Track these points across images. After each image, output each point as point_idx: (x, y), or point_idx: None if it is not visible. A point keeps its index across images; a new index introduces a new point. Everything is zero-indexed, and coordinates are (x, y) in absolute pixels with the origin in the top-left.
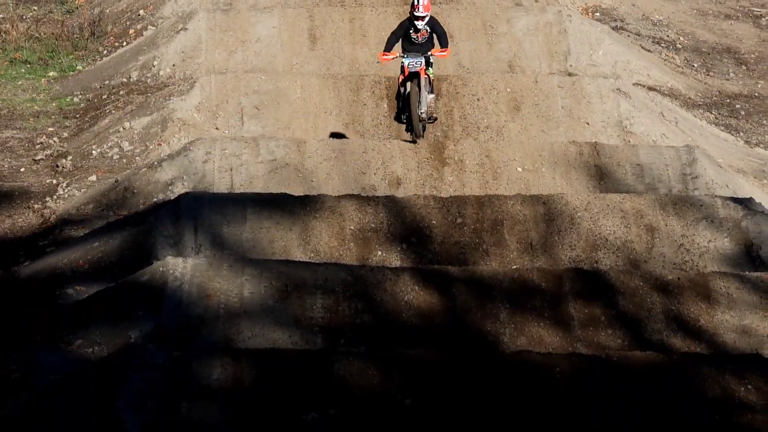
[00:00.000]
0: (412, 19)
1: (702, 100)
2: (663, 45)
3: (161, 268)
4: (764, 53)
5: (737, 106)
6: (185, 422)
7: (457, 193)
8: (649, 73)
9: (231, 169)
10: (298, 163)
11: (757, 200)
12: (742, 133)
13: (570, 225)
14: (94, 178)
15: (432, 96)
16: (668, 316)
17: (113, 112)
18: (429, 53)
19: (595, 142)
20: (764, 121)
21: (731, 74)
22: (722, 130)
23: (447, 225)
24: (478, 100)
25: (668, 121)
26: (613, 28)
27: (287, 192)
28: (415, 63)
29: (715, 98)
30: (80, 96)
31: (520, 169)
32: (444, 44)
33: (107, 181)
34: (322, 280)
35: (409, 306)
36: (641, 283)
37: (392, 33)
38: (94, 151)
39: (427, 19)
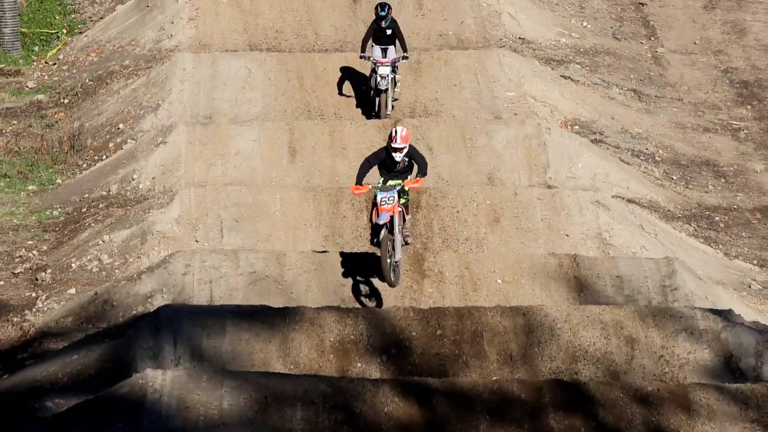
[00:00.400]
0: (389, 150)
1: (681, 212)
2: (642, 158)
3: (140, 381)
4: (743, 166)
5: (716, 218)
6: None
7: (437, 305)
8: (629, 185)
9: (210, 282)
10: (277, 275)
11: (737, 312)
12: (721, 245)
13: (550, 336)
14: (73, 291)
15: (408, 219)
16: (648, 427)
17: (93, 225)
18: (402, 185)
19: (575, 254)
20: (743, 234)
21: (710, 187)
22: (701, 243)
23: (427, 336)
24: (458, 212)
25: (648, 233)
26: (592, 141)
27: (267, 304)
28: (388, 198)
29: (694, 210)
30: (60, 209)
31: (499, 281)
32: (423, 172)
33: (86, 294)
34: (302, 391)
35: (389, 417)
36: (621, 395)
37: (366, 160)
38: (73, 264)
39: (405, 150)
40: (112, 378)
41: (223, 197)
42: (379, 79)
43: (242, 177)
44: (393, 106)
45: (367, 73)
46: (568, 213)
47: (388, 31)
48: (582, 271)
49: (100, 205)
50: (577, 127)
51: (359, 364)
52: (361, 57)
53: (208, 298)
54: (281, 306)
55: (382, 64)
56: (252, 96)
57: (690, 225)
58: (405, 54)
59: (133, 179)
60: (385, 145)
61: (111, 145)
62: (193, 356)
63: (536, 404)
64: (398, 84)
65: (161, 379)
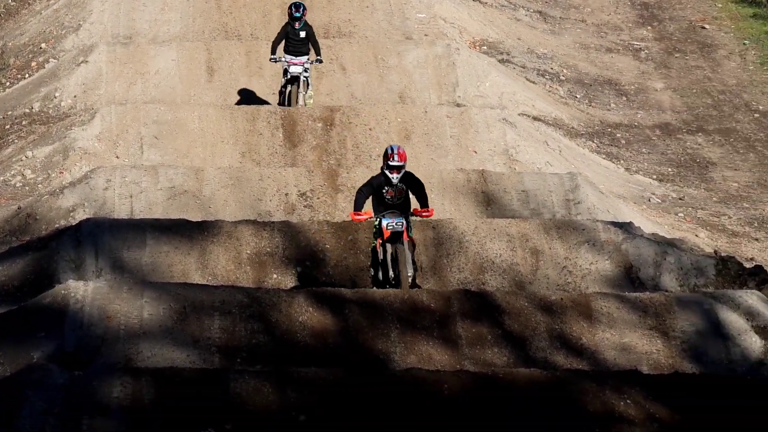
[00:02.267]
0: (385, 171)
1: (584, 129)
2: (547, 77)
3: (63, 291)
4: (643, 85)
5: (618, 135)
6: None
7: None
8: (534, 103)
9: (131, 196)
10: (196, 190)
11: (637, 224)
12: (622, 161)
13: (458, 248)
14: None
15: (414, 267)
16: (552, 334)
17: (16, 141)
18: (411, 213)
19: (483, 169)
20: (643, 149)
21: (612, 105)
22: (603, 158)
23: (340, 249)
24: (370, 129)
25: (552, 150)
26: (499, 61)
27: (186, 218)
28: (396, 224)
29: (596, 128)
30: None
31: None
32: (425, 202)
33: (10, 209)
34: (220, 302)
35: (303, 326)
36: (526, 304)
37: (360, 189)
38: None
39: (402, 171)
40: (35, 289)
41: (142, 115)
42: (290, 76)
43: (161, 95)
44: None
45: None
46: (476, 130)
47: (302, 34)
48: (489, 186)
49: (23, 122)
50: (485, 47)
51: (275, 276)
52: (271, 59)
53: (128, 212)
54: (200, 220)
55: (293, 64)
56: (171, 17)
57: (593, 141)
58: (319, 57)
59: (55, 97)
60: (379, 173)
61: (33, 64)
62: (114, 268)
63: (445, 313)
64: (311, 87)
65: (83, 290)
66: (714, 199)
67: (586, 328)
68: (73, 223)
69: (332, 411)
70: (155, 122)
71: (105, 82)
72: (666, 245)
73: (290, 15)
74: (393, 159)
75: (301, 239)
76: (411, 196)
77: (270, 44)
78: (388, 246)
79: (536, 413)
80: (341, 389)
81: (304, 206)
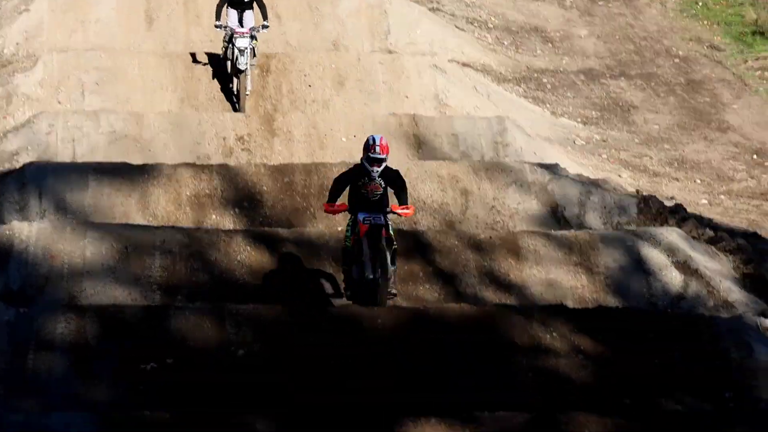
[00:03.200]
0: (364, 163)
1: (512, 75)
2: (476, 24)
3: (7, 232)
4: (568, 32)
5: (544, 80)
6: (32, 373)
7: (286, 162)
8: (463, 50)
9: (73, 141)
10: (137, 134)
11: (562, 165)
12: (548, 105)
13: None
14: None
15: (393, 268)
16: (481, 271)
17: None
18: (388, 209)
19: (414, 114)
20: (568, 94)
21: (538, 51)
22: (530, 102)
23: (277, 190)
24: (305, 75)
25: (481, 94)
26: (429, 9)
27: (127, 161)
28: (374, 218)
29: (523, 73)
30: None
31: (344, 139)
32: (404, 200)
33: None
34: (160, 241)
35: (242, 265)
36: (456, 242)
37: (336, 180)
38: None
39: (383, 165)
40: None
41: (83, 62)
42: (237, 53)
43: (102, 43)
44: (249, 90)
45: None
46: (407, 76)
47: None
48: (421, 130)
49: None
50: None
51: (214, 216)
52: (215, 26)
53: (71, 155)
54: (140, 163)
55: (239, 34)
56: None
57: (520, 86)
58: (265, 23)
59: None
60: (357, 163)
61: None
62: (57, 209)
63: None
64: (256, 55)
65: (27, 230)
66: (636, 140)
67: (514, 265)
68: (17, 167)
69: (270, 346)
70: (96, 69)
71: (46, 30)
72: (590, 185)
73: None
74: (374, 151)
75: (238, 181)
76: (390, 193)
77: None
78: (366, 243)
79: (466, 347)
80: (279, 325)
81: (242, 149)
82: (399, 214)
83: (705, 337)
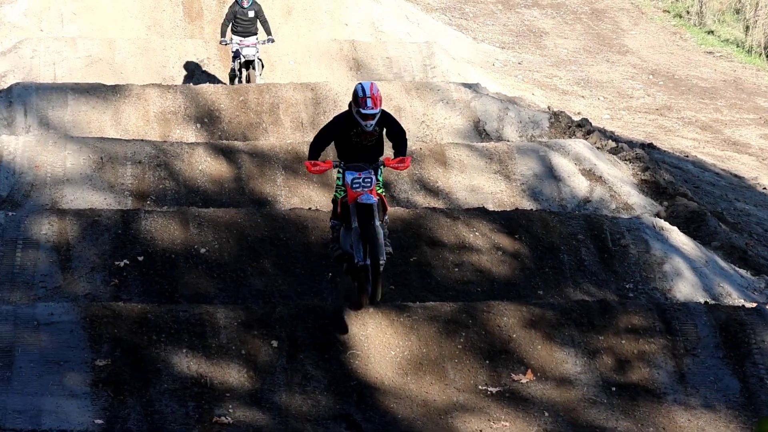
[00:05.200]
0: (353, 117)
1: (438, 4)
2: None
3: None
4: None
5: (466, 9)
6: (19, 269)
7: (241, 83)
8: None
9: (54, 64)
10: (109, 58)
11: (483, 85)
12: (470, 32)
13: (333, 106)
14: None
15: (388, 250)
16: (412, 178)
17: None
18: (380, 162)
19: (353, 40)
20: (488, 22)
21: None
22: (455, 30)
23: (233, 108)
24: None
25: (412, 22)
26: None
27: (101, 82)
28: (364, 181)
29: (448, 3)
30: None
31: (292, 63)
32: (402, 149)
33: None
34: (131, 153)
35: (203, 174)
36: (390, 153)
37: (319, 133)
38: None
39: (377, 117)
40: None
41: None
42: (243, 60)
43: None
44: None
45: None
46: (347, 6)
47: (250, 13)
48: (359, 54)
49: None
50: None
51: (178, 131)
52: (221, 42)
53: (52, 77)
54: (113, 84)
55: (246, 46)
56: None
57: (445, 15)
58: (270, 37)
59: None
60: (346, 111)
61: None
62: (40, 125)
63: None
64: (264, 67)
65: (14, 143)
66: (547, 63)
67: (442, 173)
68: (4, 87)
69: (228, 244)
70: (73, 0)
71: None
72: (507, 102)
73: None
74: (365, 105)
75: (200, 100)
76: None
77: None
78: (355, 217)
79: (399, 246)
80: (236, 226)
81: (202, 72)
82: (394, 168)
83: (608, 235)
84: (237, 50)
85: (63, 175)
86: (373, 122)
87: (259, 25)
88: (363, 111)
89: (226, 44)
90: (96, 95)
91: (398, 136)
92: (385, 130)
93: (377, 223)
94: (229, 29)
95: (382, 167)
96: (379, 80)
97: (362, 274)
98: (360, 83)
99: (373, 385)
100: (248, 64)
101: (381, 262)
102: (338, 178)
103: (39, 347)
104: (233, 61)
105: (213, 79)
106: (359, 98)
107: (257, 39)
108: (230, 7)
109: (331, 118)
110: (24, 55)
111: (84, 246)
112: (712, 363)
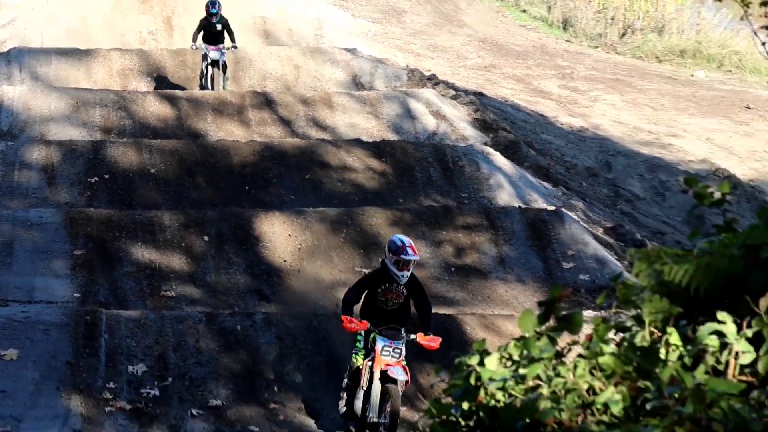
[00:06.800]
0: (390, 267)
1: None
2: None
3: (0, 93)
4: None
5: None
6: (17, 183)
7: (180, 47)
8: None
9: (41, 33)
10: (83, 30)
11: (359, 50)
12: (350, 9)
13: (249, 65)
14: None
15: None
16: (308, 118)
17: None
18: (413, 337)
19: (264, 16)
20: (362, 3)
21: None
22: (338, 9)
23: (175, 66)
24: None
25: (305, 3)
26: None
27: (77, 47)
28: (394, 351)
29: None
30: None
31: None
32: (427, 319)
33: None
34: (99, 99)
35: (153, 114)
36: (292, 99)
37: (353, 288)
38: None
39: (411, 269)
40: None
41: None
42: (210, 60)
43: None
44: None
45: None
46: None
47: (218, 26)
48: (268, 26)
49: None
50: None
51: (134, 83)
52: (192, 47)
53: (40, 43)
54: (86, 48)
55: (213, 49)
56: None
57: None
58: (234, 45)
59: None
60: (378, 268)
61: None
62: (32, 78)
63: (241, 105)
64: (228, 71)
65: (12, 92)
66: (406, 33)
67: (329, 114)
68: (4, 51)
69: (171, 166)
70: None
71: None
72: (377, 62)
73: (207, 12)
74: (406, 252)
75: (150, 60)
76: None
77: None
78: (377, 382)
79: (297, 168)
80: (177, 153)
81: (152, 40)
82: (425, 347)
83: (449, 159)
84: (205, 53)
85: (49, 115)
86: (408, 273)
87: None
88: (404, 257)
89: (196, 49)
90: (73, 56)
91: (424, 305)
92: (411, 298)
93: (399, 388)
94: (200, 37)
95: (411, 340)
96: (283, 46)
97: (371, 429)
98: (394, 236)
99: (278, 268)
100: (214, 63)
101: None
102: (359, 340)
103: (32, 241)
104: (203, 62)
105: (159, 45)
106: (398, 247)
107: (223, 46)
108: (201, 20)
109: (364, 274)
110: (19, 26)
111: (64, 167)
112: (523, 250)
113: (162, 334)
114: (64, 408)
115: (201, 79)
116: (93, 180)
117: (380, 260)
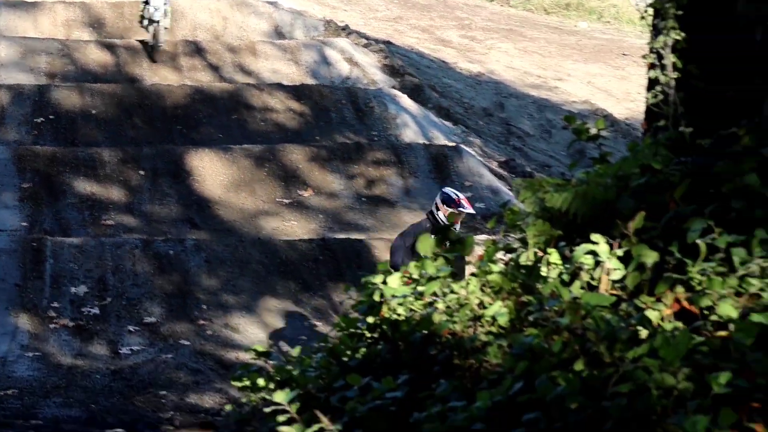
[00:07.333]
0: (441, 218)
1: None
2: None
3: None
4: None
5: None
6: None
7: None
8: None
9: None
10: None
11: (281, 2)
12: None
13: (181, 17)
14: None
15: None
16: (234, 64)
17: None
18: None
19: None
20: None
21: None
22: None
23: (115, 17)
24: None
25: None
26: None
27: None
28: None
29: None
30: None
31: None
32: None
33: None
34: (45, 47)
35: (94, 61)
36: (220, 47)
37: (397, 244)
38: None
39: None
40: None
41: None
42: (152, 10)
43: None
44: (164, 41)
45: None
46: None
47: None
48: None
49: None
50: None
51: (76, 33)
52: None
53: None
54: (32, 1)
55: None
56: None
57: None
58: None
59: None
60: (423, 221)
61: None
62: None
63: (174, 53)
64: (169, 14)
65: None
66: None
67: (253, 61)
68: None
69: (111, 107)
70: None
71: None
72: (297, 14)
73: None
74: (462, 205)
75: (91, 12)
76: None
77: None
78: None
79: (225, 109)
80: (116, 95)
81: None
82: None
83: (361, 101)
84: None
85: (1, 62)
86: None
87: None
88: (463, 210)
89: None
90: (21, 8)
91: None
92: None
93: None
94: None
95: None
96: None
97: None
98: (446, 189)
99: (208, 199)
100: (153, 22)
101: None
102: None
103: None
104: (142, 4)
105: None
106: (454, 200)
107: None
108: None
109: (402, 236)
110: None
111: (14, 108)
112: (426, 182)
113: (102, 259)
114: (12, 326)
115: (140, 22)
116: (39, 120)
117: (427, 214)
